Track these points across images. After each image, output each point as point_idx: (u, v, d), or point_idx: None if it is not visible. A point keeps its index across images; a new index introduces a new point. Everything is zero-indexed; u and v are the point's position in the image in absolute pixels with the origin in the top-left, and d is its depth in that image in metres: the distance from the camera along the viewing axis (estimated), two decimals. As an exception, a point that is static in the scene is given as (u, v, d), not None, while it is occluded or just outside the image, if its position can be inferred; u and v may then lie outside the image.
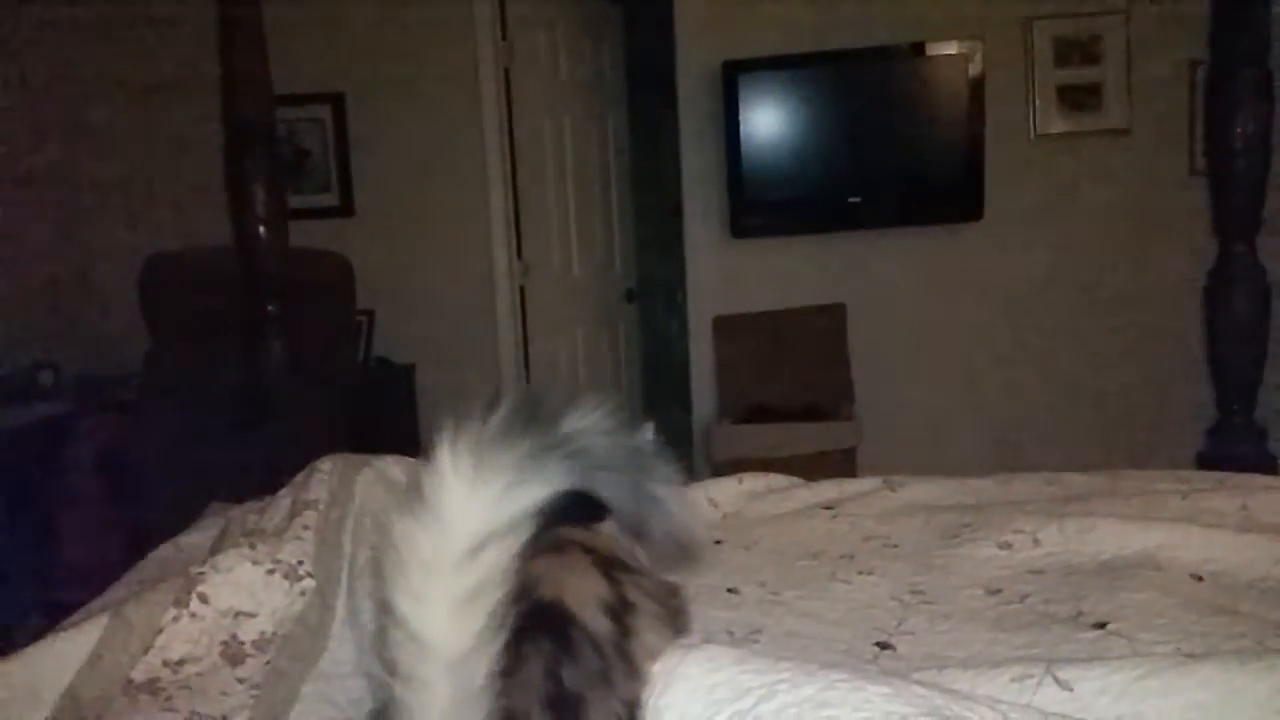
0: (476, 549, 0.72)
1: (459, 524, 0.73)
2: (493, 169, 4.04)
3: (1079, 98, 3.86)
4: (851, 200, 3.94)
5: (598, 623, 0.81)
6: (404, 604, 0.71)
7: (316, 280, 3.28)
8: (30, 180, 3.80)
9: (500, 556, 0.72)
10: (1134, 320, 3.88)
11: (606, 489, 0.86)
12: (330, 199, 4.14)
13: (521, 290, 4.14)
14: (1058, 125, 3.89)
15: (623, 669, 0.80)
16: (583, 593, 0.83)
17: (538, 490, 0.75)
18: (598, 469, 0.82)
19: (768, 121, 3.97)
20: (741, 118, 3.93)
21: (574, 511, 1.02)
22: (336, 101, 4.10)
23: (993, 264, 3.97)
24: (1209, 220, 2.29)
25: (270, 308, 2.17)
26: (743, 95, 3.93)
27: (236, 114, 2.16)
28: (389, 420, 3.88)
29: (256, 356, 2.17)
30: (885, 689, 0.77)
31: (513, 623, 0.80)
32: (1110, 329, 3.91)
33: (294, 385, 2.19)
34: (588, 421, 0.82)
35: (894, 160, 3.99)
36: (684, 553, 0.95)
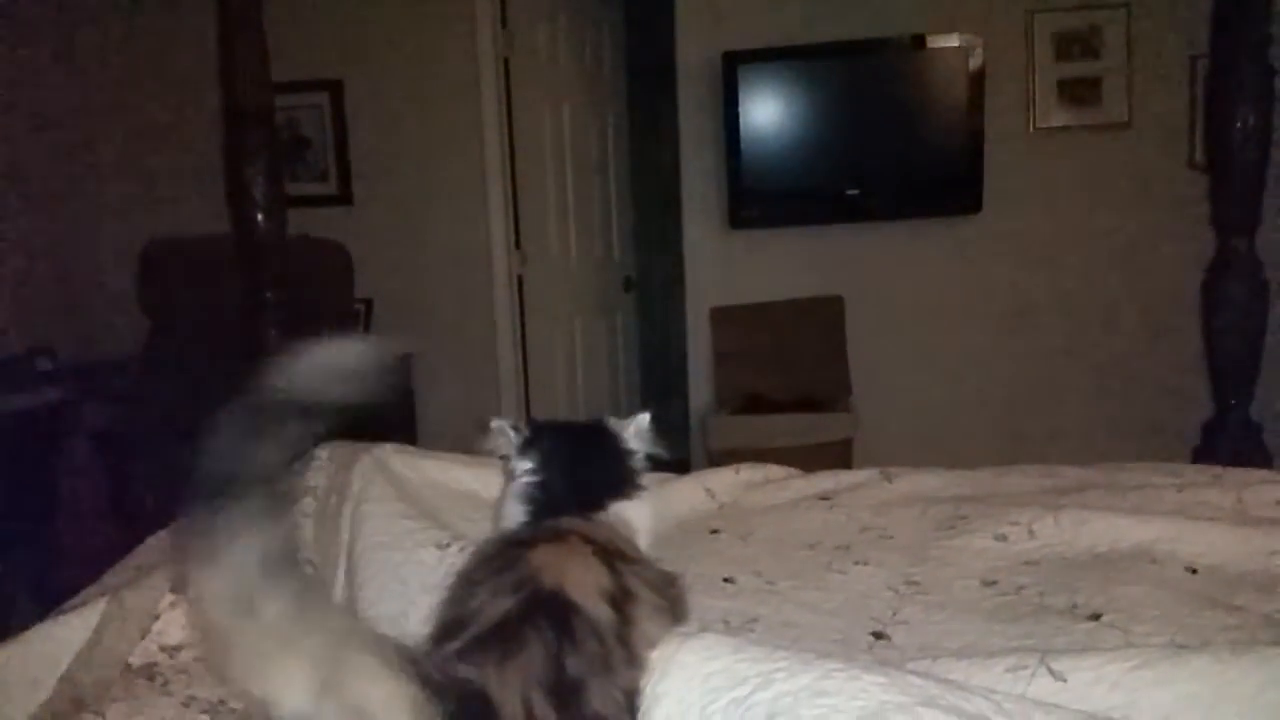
0: (239, 612, 0.70)
1: (214, 594, 0.71)
2: (491, 158, 4.03)
3: (1079, 91, 3.86)
4: (850, 192, 3.94)
5: (599, 611, 0.81)
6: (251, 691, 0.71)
7: (314, 268, 3.28)
8: (28, 167, 3.79)
9: (270, 610, 0.70)
10: (1131, 314, 3.89)
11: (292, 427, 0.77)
12: (328, 187, 4.13)
13: (519, 279, 4.13)
14: (1057, 119, 3.89)
15: (623, 656, 0.80)
16: (584, 582, 0.83)
17: (259, 530, 0.71)
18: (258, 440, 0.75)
19: (767, 113, 3.97)
20: (741, 109, 3.93)
21: (574, 502, 1.03)
22: (335, 89, 4.09)
23: (991, 257, 3.97)
24: (1208, 215, 2.29)
25: (268, 295, 2.17)
26: (742, 86, 3.92)
27: (235, 101, 2.15)
28: (387, 409, 3.88)
29: (254, 345, 2.16)
30: (881, 678, 0.78)
31: (515, 609, 0.80)
32: (1107, 323, 3.92)
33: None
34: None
35: (893, 152, 3.99)
36: (356, 374, 0.83)
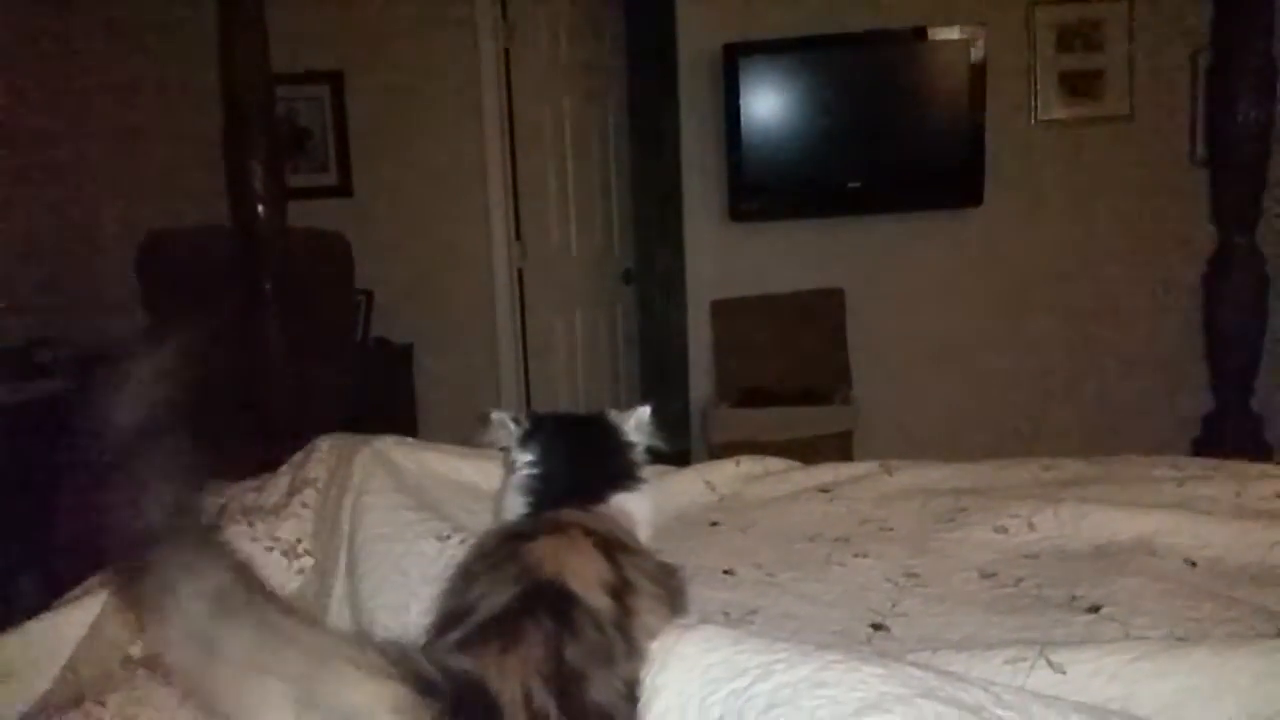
0: (201, 653, 0.71)
1: (170, 645, 0.73)
2: (491, 150, 4.02)
3: (1081, 84, 3.85)
4: (851, 185, 3.94)
5: (599, 602, 0.81)
6: None
7: (315, 259, 3.28)
8: (29, 157, 3.79)
9: (232, 645, 0.71)
10: (1132, 307, 3.89)
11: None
12: (329, 178, 4.13)
13: (520, 272, 4.13)
14: (1059, 111, 3.88)
15: (623, 647, 0.81)
16: (585, 573, 0.83)
17: (195, 573, 0.72)
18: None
19: (768, 105, 3.96)
20: (742, 101, 3.92)
21: (575, 494, 1.03)
22: (335, 80, 4.08)
23: (992, 250, 3.97)
24: (1209, 209, 2.29)
25: (268, 287, 2.17)
26: (743, 78, 3.91)
27: (235, 92, 2.15)
28: (387, 400, 3.89)
29: (254, 336, 2.16)
30: (880, 670, 0.78)
31: (515, 601, 0.80)
32: (1108, 316, 3.92)
33: (292, 364, 2.19)
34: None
35: (894, 145, 3.98)
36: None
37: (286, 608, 0.75)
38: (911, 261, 4.01)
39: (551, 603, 0.80)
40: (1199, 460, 1.81)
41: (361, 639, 0.77)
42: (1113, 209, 3.88)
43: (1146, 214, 3.84)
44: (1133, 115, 3.82)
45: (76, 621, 1.19)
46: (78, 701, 1.08)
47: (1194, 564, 1.27)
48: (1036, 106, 3.88)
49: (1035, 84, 3.87)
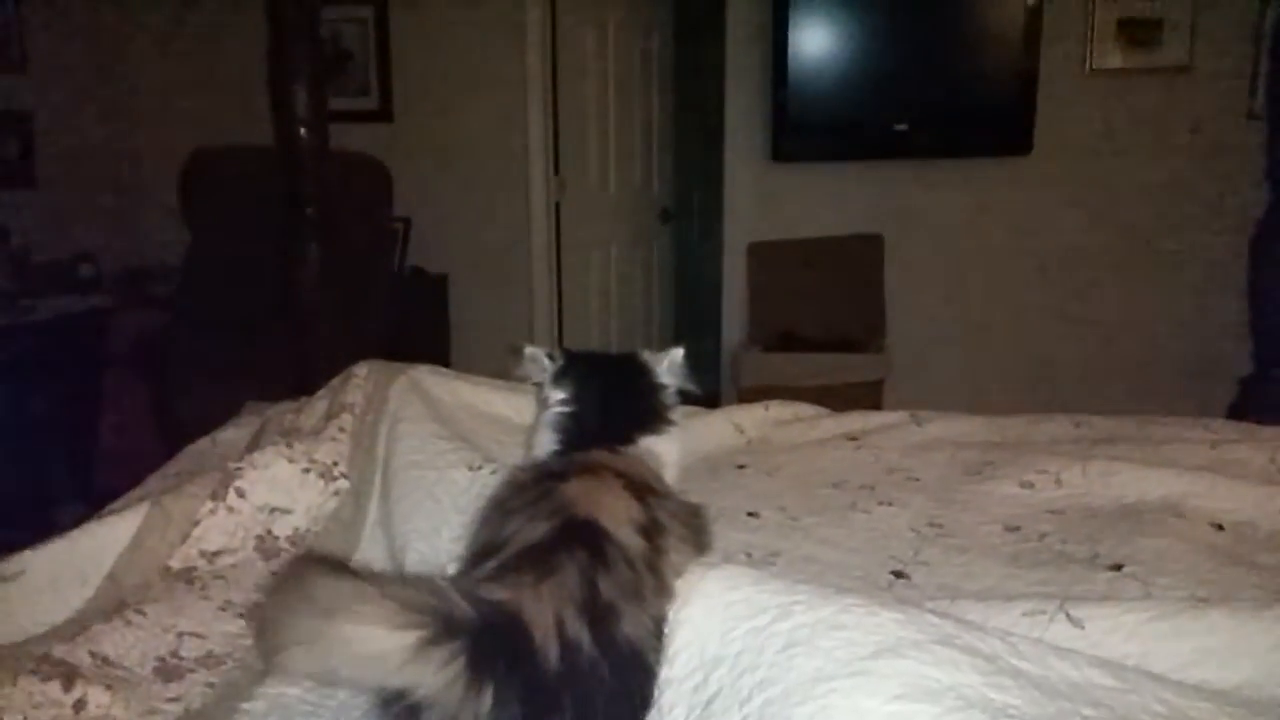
0: None
1: None
2: (533, 81, 3.98)
3: (1139, 33, 3.73)
4: (898, 127, 3.86)
5: (631, 540, 0.83)
6: None
7: (354, 184, 3.28)
8: (76, 75, 3.81)
9: None
10: (1177, 266, 3.81)
11: None
12: (369, 103, 4.11)
13: (557, 206, 4.12)
14: (1115, 60, 3.77)
15: (653, 585, 0.82)
16: (617, 513, 0.85)
17: None
18: None
19: (816, 42, 3.87)
20: (790, 35, 3.83)
21: (605, 435, 1.05)
22: (379, 3, 4.04)
23: (1038, 201, 3.89)
24: (1263, 167, 2.23)
25: (308, 210, 2.17)
26: (792, 14, 3.82)
27: (279, 11, 2.13)
28: (421, 329, 3.91)
29: (293, 259, 2.18)
30: (898, 615, 0.79)
31: (550, 535, 0.82)
32: (1152, 273, 3.85)
33: (329, 289, 2.20)
34: None
35: (944, 88, 3.89)
36: None
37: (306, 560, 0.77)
38: (954, 209, 3.95)
39: (586, 538, 0.81)
40: (1233, 424, 1.79)
41: (383, 586, 0.75)
42: (1164, 163, 3.78)
43: (1198, 170, 3.74)
44: (1191, 67, 3.70)
45: (119, 532, 1.22)
46: (119, 610, 1.12)
47: (1220, 527, 1.27)
48: (1092, 54, 3.77)
49: (1092, 31, 3.75)
